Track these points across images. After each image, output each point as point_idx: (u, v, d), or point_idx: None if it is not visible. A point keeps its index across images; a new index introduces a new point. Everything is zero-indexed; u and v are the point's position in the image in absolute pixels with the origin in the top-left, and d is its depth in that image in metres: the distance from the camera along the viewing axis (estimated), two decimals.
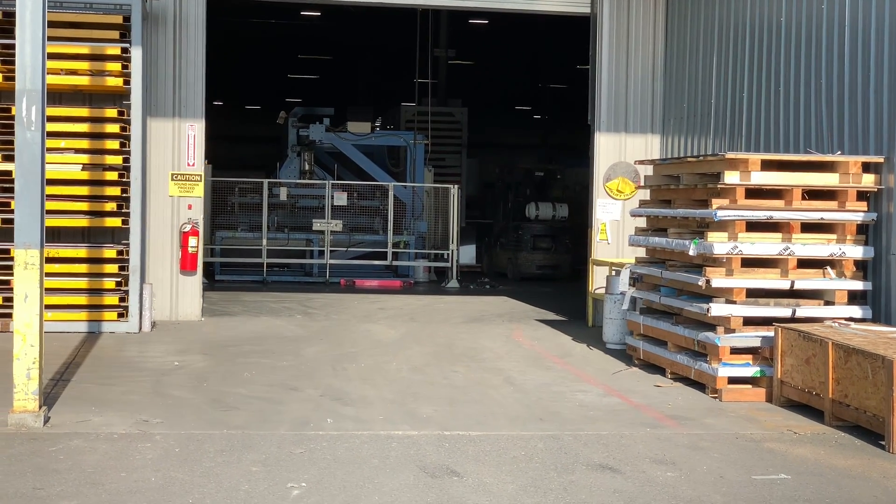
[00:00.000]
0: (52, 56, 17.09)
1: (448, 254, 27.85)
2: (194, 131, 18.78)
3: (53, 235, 17.66)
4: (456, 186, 28.38)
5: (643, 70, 19.91)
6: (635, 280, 16.20)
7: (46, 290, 16.57)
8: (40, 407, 10.81)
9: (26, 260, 10.68)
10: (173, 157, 18.75)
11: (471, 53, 44.35)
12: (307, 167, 30.03)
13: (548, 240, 30.06)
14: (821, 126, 14.71)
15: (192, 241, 18.60)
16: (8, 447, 9.96)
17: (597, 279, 19.65)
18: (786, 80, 15.63)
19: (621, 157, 19.82)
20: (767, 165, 13.35)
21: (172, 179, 18.71)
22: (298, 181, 29.25)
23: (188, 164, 18.79)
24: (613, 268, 18.41)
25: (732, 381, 13.21)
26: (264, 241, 27.05)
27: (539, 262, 29.83)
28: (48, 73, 16.84)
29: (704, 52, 18.35)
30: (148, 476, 9.14)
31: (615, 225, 19.83)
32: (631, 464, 9.97)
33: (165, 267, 18.70)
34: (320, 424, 11.24)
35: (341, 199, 27.77)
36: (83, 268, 17.14)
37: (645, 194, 18.26)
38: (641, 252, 16.18)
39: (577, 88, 50.67)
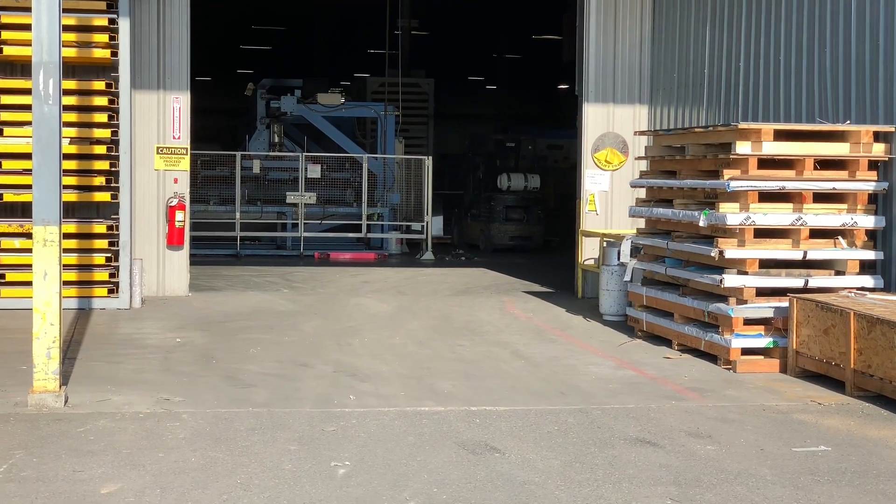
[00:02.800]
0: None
1: (423, 226, 27.63)
2: (179, 104, 18.49)
3: None
4: (430, 158, 28.17)
5: (631, 39, 19.77)
6: (633, 251, 16.12)
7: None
8: (60, 387, 10.56)
9: (45, 237, 10.45)
10: (158, 131, 18.45)
11: (428, 24, 44.11)
12: (277, 139, 29.72)
13: (520, 211, 29.97)
14: (825, 96, 14.66)
15: (179, 216, 18.33)
16: (35, 428, 9.74)
17: (585, 250, 19.57)
18: (787, 49, 15.56)
19: (609, 127, 19.70)
20: (779, 135, 13.30)
21: (158, 153, 18.41)
22: (272, 153, 28.94)
23: (174, 138, 18.50)
24: (606, 239, 18.31)
25: (745, 352, 13.18)
26: (237, 215, 26.74)
27: (512, 234, 29.74)
28: (31, 45, 16.67)
29: (697, 20, 18.24)
30: (187, 456, 8.95)
31: (603, 196, 19.73)
32: (668, 437, 9.89)
33: (152, 242, 18.41)
34: (344, 401, 11.08)
35: (315, 171, 27.49)
36: (72, 243, 16.82)
37: (639, 164, 18.29)
38: (640, 223, 16.10)
39: (532, 59, 50.83)
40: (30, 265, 16.06)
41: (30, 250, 16.08)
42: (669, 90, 19.10)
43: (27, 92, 16.50)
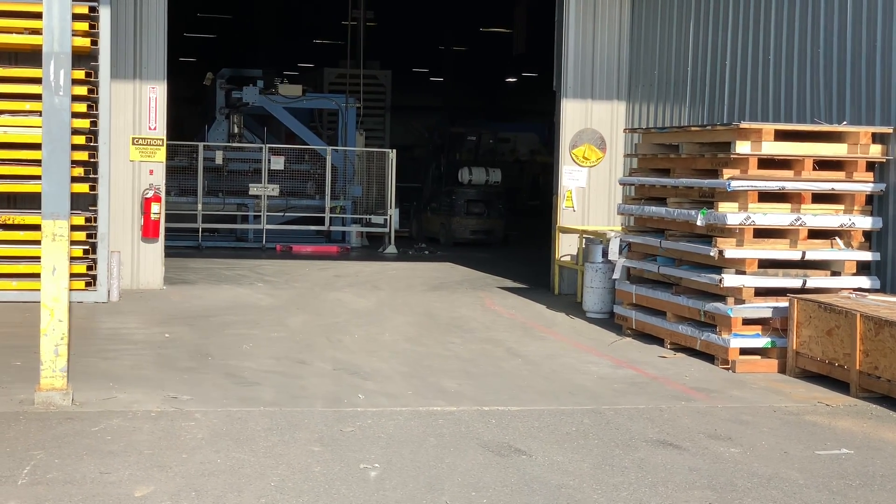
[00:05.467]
0: (14, 14, 16.47)
1: (385, 219, 27.44)
2: (156, 94, 18.19)
3: (9, 201, 17.06)
4: (394, 151, 27.98)
5: (610, 35, 19.69)
6: (620, 249, 16.06)
7: (12, 258, 16.13)
8: (67, 384, 10.33)
9: (54, 231, 10.18)
10: (134, 121, 18.15)
11: (376, 14, 43.85)
12: (236, 130, 29.39)
13: (481, 205, 29.85)
14: (816, 96, 14.67)
15: (155, 208, 18.05)
16: (48, 428, 9.51)
17: (562, 247, 19.50)
18: (777, 48, 15.55)
19: (587, 123, 19.64)
20: (778, 135, 13.30)
21: (133, 144, 18.12)
22: (235, 144, 28.64)
23: (149, 128, 18.20)
24: (586, 236, 18.27)
25: (743, 352, 13.17)
26: (199, 206, 26.41)
27: (473, 228, 29.61)
28: (8, 33, 16.43)
29: (680, 16, 18.17)
30: (211, 458, 8.78)
31: (580, 192, 19.66)
32: (688, 439, 9.84)
33: (126, 234, 18.11)
34: (354, 401, 10.94)
35: (278, 163, 27.23)
36: None
37: (618, 161, 18.33)
38: (620, 220, 16.06)
39: (480, 51, 50.77)
40: (9, 257, 16.06)
41: (10, 242, 16.04)
42: (649, 87, 19.06)
43: (16, 80, 16.40)
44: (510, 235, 30.73)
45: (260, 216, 26.91)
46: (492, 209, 29.91)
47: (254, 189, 26.96)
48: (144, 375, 11.78)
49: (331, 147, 28.23)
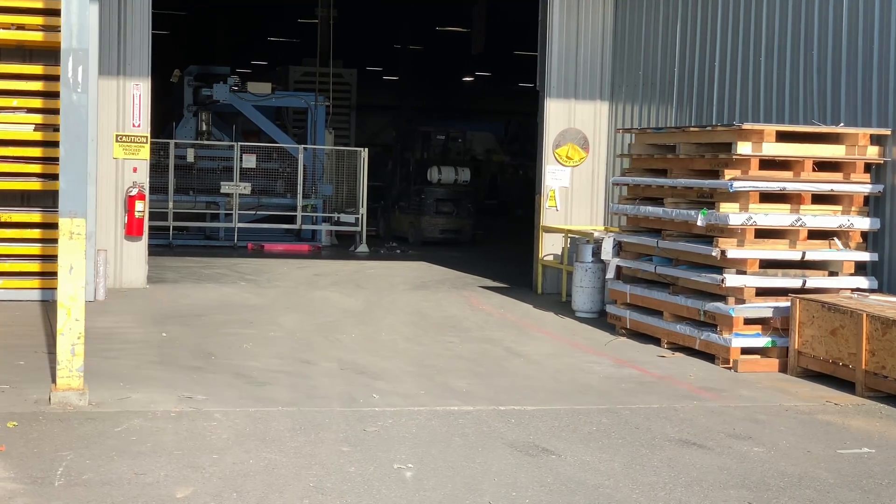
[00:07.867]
0: (0, 10, 16.29)
1: (356, 218, 27.35)
2: (140, 91, 18.04)
3: None
4: (366, 150, 27.90)
5: (594, 36, 19.71)
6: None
7: None
8: (84, 384, 10.22)
9: (72, 229, 10.08)
10: (118, 118, 17.97)
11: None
12: (205, 127, 29.21)
13: (450, 204, 29.81)
14: (810, 97, 14.76)
15: (139, 206, 17.89)
16: (70, 428, 9.40)
17: (546, 246, 19.52)
18: (768, 50, 15.63)
19: (570, 123, 19.67)
20: (779, 137, 13.39)
21: (117, 141, 17.95)
22: (205, 142, 28.44)
23: (134, 125, 18.05)
24: (571, 235, 18.33)
25: (744, 351, 13.24)
26: (170, 204, 26.21)
27: (442, 227, 29.54)
28: None
29: (666, 17, 18.22)
30: (243, 458, 8.72)
31: (563, 192, 19.68)
32: (710, 439, 9.89)
33: (109, 232, 17.91)
34: (369, 401, 10.90)
35: (250, 161, 27.08)
36: (36, 233, 16.27)
37: (600, 161, 18.37)
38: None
39: (436, 50, 50.73)
40: (4, 255, 15.94)
41: (4, 240, 15.92)
42: (634, 87, 19.10)
43: (3, 77, 16.26)
44: (478, 235, 30.75)
45: (230, 214, 26.77)
46: (461, 208, 29.88)
47: (226, 187, 26.79)
48: (152, 375, 11.68)
49: (302, 146, 28.11)
